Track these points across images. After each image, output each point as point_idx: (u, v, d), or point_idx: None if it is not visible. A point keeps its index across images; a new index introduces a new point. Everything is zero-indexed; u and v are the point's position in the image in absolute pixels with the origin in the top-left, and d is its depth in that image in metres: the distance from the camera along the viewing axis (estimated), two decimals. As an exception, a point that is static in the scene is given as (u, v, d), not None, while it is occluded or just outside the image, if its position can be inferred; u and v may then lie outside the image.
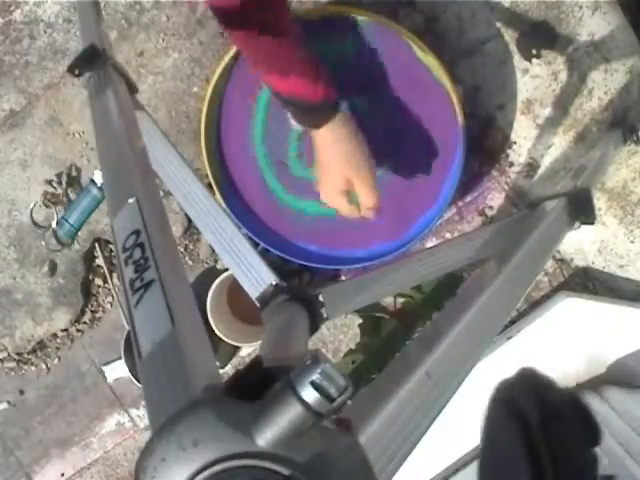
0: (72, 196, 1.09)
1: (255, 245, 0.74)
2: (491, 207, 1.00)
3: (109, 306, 1.15)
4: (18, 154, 1.10)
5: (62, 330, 1.16)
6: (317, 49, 0.81)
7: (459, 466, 0.92)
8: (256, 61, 0.66)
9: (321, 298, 0.62)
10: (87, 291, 1.14)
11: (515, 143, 0.97)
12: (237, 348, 1.10)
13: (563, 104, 0.93)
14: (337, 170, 0.70)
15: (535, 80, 0.93)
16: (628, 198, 0.94)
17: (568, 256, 0.99)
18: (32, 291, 1.14)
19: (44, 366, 1.18)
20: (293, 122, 0.70)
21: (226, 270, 1.02)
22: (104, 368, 1.15)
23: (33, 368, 1.18)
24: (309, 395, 0.24)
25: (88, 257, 1.13)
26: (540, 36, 0.91)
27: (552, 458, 0.26)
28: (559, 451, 0.26)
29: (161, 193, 1.01)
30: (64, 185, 1.09)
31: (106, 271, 1.13)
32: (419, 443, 0.33)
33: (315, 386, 0.24)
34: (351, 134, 0.69)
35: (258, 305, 0.63)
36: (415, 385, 0.34)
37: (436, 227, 1.01)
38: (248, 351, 1.11)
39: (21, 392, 1.20)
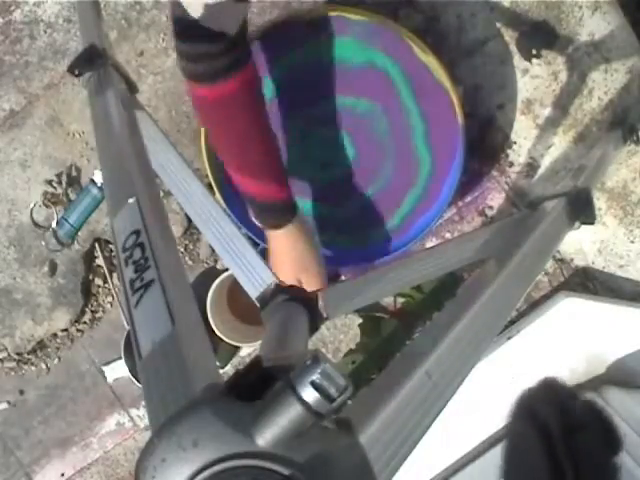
0: (72, 196, 1.09)
1: (255, 245, 0.74)
2: (491, 207, 1.00)
3: (109, 306, 1.15)
4: (18, 154, 1.10)
5: (62, 330, 1.16)
6: (317, 49, 0.81)
7: (459, 466, 0.92)
8: (229, 158, 0.68)
9: (321, 298, 0.62)
10: (87, 291, 1.14)
11: (515, 143, 0.97)
12: (237, 348, 1.10)
13: (563, 104, 0.93)
14: (287, 270, 0.73)
15: (535, 80, 0.93)
16: (628, 198, 0.94)
17: (568, 256, 0.99)
18: (32, 291, 1.14)
19: (44, 366, 1.18)
20: (255, 220, 0.73)
21: (226, 270, 1.02)
22: (104, 368, 1.15)
23: (33, 368, 1.18)
24: (309, 395, 0.24)
25: (88, 257, 1.13)
26: (540, 36, 0.91)
27: (574, 469, 0.26)
28: (581, 461, 0.26)
29: (161, 193, 1.01)
30: (64, 185, 1.09)
31: (106, 271, 1.13)
32: (419, 443, 0.33)
33: (315, 386, 0.24)
34: (303, 237, 0.72)
35: (258, 305, 0.63)
36: (415, 385, 0.34)
37: (436, 227, 1.01)
38: (248, 351, 1.11)
39: (21, 392, 1.19)
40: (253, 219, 0.72)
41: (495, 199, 1.00)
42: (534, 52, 0.91)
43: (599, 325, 0.90)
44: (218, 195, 0.91)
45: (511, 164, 0.98)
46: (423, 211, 0.89)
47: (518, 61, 0.93)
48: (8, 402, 1.20)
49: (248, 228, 0.92)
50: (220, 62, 0.58)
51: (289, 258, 0.73)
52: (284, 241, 0.72)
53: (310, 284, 0.75)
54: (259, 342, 0.98)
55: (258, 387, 0.27)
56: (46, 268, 1.12)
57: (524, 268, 0.50)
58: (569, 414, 0.27)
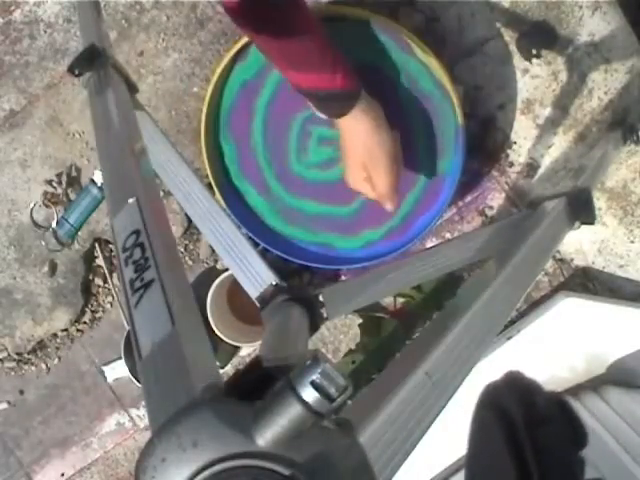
0: (72, 196, 1.09)
1: (255, 245, 0.74)
2: (491, 207, 1.00)
3: (109, 306, 1.15)
4: (18, 154, 1.10)
5: (62, 330, 1.16)
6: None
7: (459, 466, 0.92)
8: (271, 58, 0.66)
9: (321, 298, 0.63)
10: (87, 291, 1.14)
11: (515, 143, 0.97)
12: (237, 348, 1.10)
13: (563, 104, 0.93)
14: (355, 158, 0.72)
15: (535, 80, 0.93)
16: (628, 198, 0.94)
17: (568, 256, 0.99)
18: (32, 291, 1.14)
19: (44, 366, 1.18)
20: (317, 112, 0.71)
21: (226, 270, 1.02)
22: (104, 368, 1.15)
23: (33, 368, 1.18)
24: (309, 395, 0.24)
25: (88, 257, 1.13)
26: (540, 36, 0.91)
27: (538, 461, 0.26)
28: (545, 454, 0.26)
29: (161, 193, 1.01)
30: (64, 185, 1.09)
31: (106, 271, 1.13)
32: (419, 443, 0.33)
33: (315, 386, 0.24)
34: (371, 123, 0.70)
35: (258, 305, 0.63)
36: (415, 385, 0.34)
37: (436, 227, 1.01)
38: (248, 351, 1.11)
39: (21, 392, 1.19)
40: (317, 113, 0.71)
41: (495, 199, 1.00)
42: (534, 52, 0.91)
43: (599, 325, 0.90)
44: (218, 195, 0.91)
45: (511, 164, 0.98)
46: (423, 211, 0.89)
47: (518, 61, 0.93)
48: (8, 402, 1.20)
49: (248, 228, 0.92)
50: None
51: (354, 146, 0.71)
52: (349, 129, 0.70)
53: (375, 178, 0.73)
54: (259, 342, 0.98)
55: (258, 387, 0.27)
56: (46, 268, 1.12)
57: (524, 268, 0.50)
58: (533, 408, 0.28)
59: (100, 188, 1.05)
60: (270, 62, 0.68)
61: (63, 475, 1.21)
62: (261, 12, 0.59)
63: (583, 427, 0.28)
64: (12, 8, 1.06)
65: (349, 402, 0.26)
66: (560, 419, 0.27)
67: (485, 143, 0.97)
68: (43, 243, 1.11)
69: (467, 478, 0.29)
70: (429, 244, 1.03)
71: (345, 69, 0.66)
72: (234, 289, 1.04)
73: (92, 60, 0.60)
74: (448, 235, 1.03)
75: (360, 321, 1.04)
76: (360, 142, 0.71)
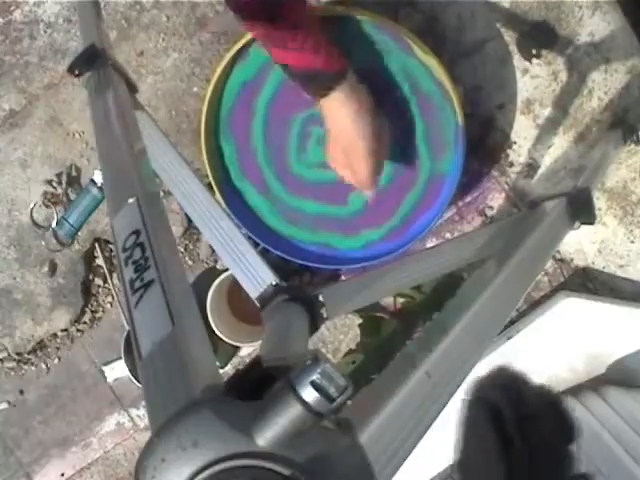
0: (72, 196, 1.09)
1: (255, 245, 0.74)
2: (491, 207, 1.00)
3: (109, 306, 1.15)
4: (18, 154, 1.10)
5: (62, 330, 1.16)
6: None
7: (459, 466, 0.92)
8: (255, 35, 0.67)
9: (321, 298, 0.63)
10: (87, 291, 1.14)
11: (515, 143, 0.97)
12: (237, 348, 1.10)
13: (563, 104, 0.93)
14: (336, 142, 0.72)
15: (535, 80, 0.93)
16: (628, 198, 0.94)
17: (568, 256, 0.99)
18: (32, 291, 1.14)
19: (44, 366, 1.18)
20: (307, 96, 0.71)
21: (226, 270, 1.02)
22: (104, 368, 1.15)
23: (33, 368, 1.18)
24: (309, 395, 0.24)
25: (88, 257, 1.13)
26: (540, 36, 0.91)
27: (527, 455, 0.26)
28: (534, 448, 0.26)
29: (161, 193, 1.01)
30: (64, 185, 1.09)
31: (106, 271, 1.13)
32: (419, 443, 0.33)
33: (315, 386, 0.24)
34: (354, 108, 0.69)
35: (258, 305, 0.63)
36: (415, 385, 0.34)
37: (436, 227, 1.01)
38: (248, 351, 1.11)
39: (21, 392, 1.19)
40: (304, 93, 0.70)
41: (495, 199, 1.00)
42: (534, 52, 0.91)
43: (599, 325, 0.90)
44: (218, 195, 0.91)
45: (511, 164, 0.98)
46: (423, 211, 0.89)
47: (518, 61, 0.93)
48: (8, 402, 1.20)
49: (248, 228, 0.92)
50: None
51: (334, 131, 0.71)
52: (330, 111, 0.69)
53: (354, 162, 0.72)
54: (259, 342, 0.98)
55: (258, 387, 0.27)
56: (46, 268, 1.12)
57: (524, 268, 0.50)
58: (522, 402, 0.28)
59: (100, 188, 1.05)
60: (257, 39, 0.68)
61: (63, 475, 1.21)
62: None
63: (572, 422, 0.28)
64: (12, 8, 1.06)
65: (349, 402, 0.26)
66: (550, 414, 0.27)
67: (485, 143, 0.97)
68: (43, 243, 1.11)
69: (457, 471, 0.29)
70: (429, 244, 1.02)
71: (328, 50, 0.66)
72: (234, 289, 1.04)
73: (92, 60, 0.60)
74: (448, 235, 1.03)
75: (360, 321, 1.04)
76: (341, 126, 0.70)
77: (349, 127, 0.70)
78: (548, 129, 0.95)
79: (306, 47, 0.64)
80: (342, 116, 0.70)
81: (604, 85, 0.91)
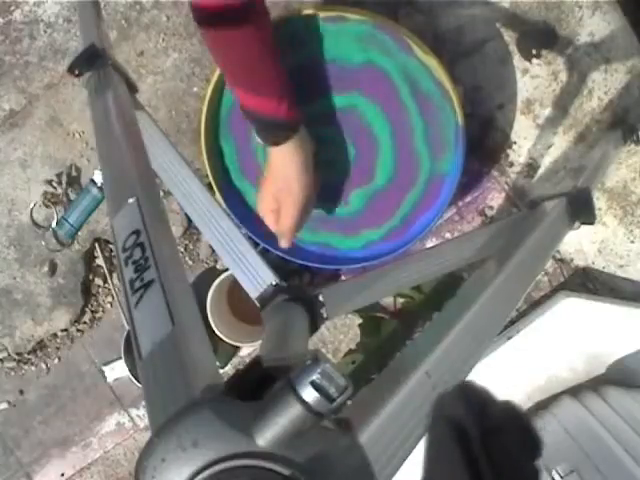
0: (72, 196, 1.09)
1: (255, 245, 0.74)
2: (491, 207, 1.00)
3: (109, 306, 1.15)
4: (18, 154, 1.10)
5: (62, 330, 1.16)
6: (317, 49, 0.81)
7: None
8: (224, 71, 0.68)
9: (321, 298, 0.63)
10: (87, 291, 1.14)
11: (515, 143, 0.97)
12: (237, 348, 1.10)
13: (563, 104, 0.93)
14: (271, 187, 0.73)
15: (535, 80, 0.93)
16: (628, 198, 0.94)
17: (568, 256, 0.99)
18: (32, 291, 1.14)
19: (44, 366, 1.18)
20: (256, 137, 0.72)
21: (226, 270, 1.02)
22: (104, 368, 1.15)
23: (33, 368, 1.18)
24: (309, 395, 0.24)
25: (88, 257, 1.13)
26: (540, 36, 0.91)
27: (492, 471, 0.26)
28: (500, 464, 0.26)
29: (161, 193, 1.01)
30: (64, 185, 1.09)
31: (106, 271, 1.13)
32: (419, 443, 0.33)
33: (315, 386, 0.24)
34: (300, 160, 0.71)
35: (258, 305, 0.63)
36: (415, 385, 0.34)
37: (436, 227, 1.01)
38: (248, 351, 1.11)
39: (21, 392, 1.20)
40: (256, 136, 0.71)
41: (495, 199, 1.00)
42: (534, 52, 0.91)
43: (599, 325, 0.90)
44: (218, 195, 0.91)
45: (511, 164, 0.98)
46: (423, 211, 0.89)
47: (518, 61, 0.93)
48: (8, 402, 1.20)
49: (248, 228, 0.92)
50: None
51: (275, 176, 0.72)
52: (278, 159, 0.71)
53: (287, 211, 0.73)
54: (259, 342, 0.98)
55: (258, 387, 0.27)
56: (46, 268, 1.12)
57: (524, 268, 0.50)
58: (487, 417, 0.27)
59: (100, 188, 1.05)
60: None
61: (63, 475, 1.21)
62: (231, 21, 0.60)
63: (537, 436, 0.28)
64: (12, 8, 1.06)
65: (349, 402, 0.26)
66: (514, 428, 0.27)
67: (485, 143, 0.97)
68: (43, 243, 1.11)
69: None
70: (429, 244, 1.02)
71: (291, 100, 0.67)
72: (234, 289, 1.04)
73: (92, 60, 0.60)
74: (448, 235, 1.03)
75: (360, 321, 1.04)
76: (282, 175, 0.72)
77: (293, 176, 0.71)
78: (548, 129, 0.95)
79: (273, 91, 0.65)
80: (289, 164, 0.71)
81: (604, 85, 0.91)
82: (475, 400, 0.28)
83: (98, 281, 1.14)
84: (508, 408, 0.28)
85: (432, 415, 0.29)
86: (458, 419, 0.27)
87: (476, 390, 0.29)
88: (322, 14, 0.80)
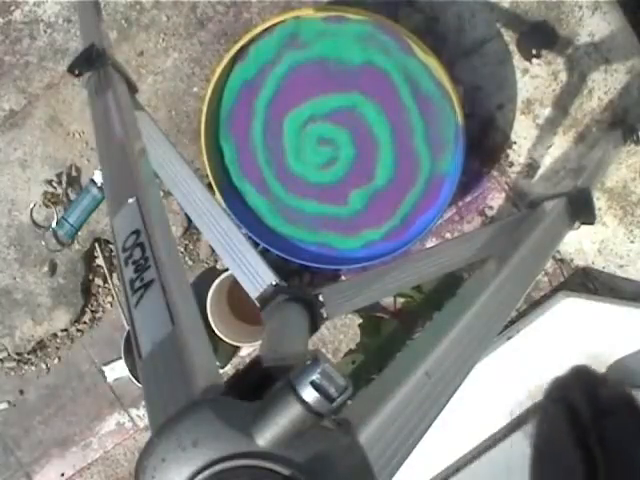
0: (72, 196, 1.09)
1: (255, 245, 0.74)
2: (491, 207, 1.00)
3: (109, 306, 1.15)
4: (18, 154, 1.10)
5: (62, 330, 1.16)
6: (317, 49, 0.82)
7: (459, 466, 0.92)
8: None
9: (321, 298, 0.62)
10: (87, 291, 1.14)
11: (515, 143, 0.97)
12: (237, 348, 1.10)
13: (563, 104, 0.93)
14: None
15: (535, 80, 0.93)
16: (628, 198, 0.94)
17: (568, 256, 0.99)
18: (32, 291, 1.14)
19: (44, 366, 1.18)
20: None
21: (226, 270, 1.02)
22: (104, 368, 1.15)
23: (33, 368, 1.18)
24: (309, 395, 0.24)
25: (88, 257, 1.13)
26: (540, 36, 0.91)
27: (602, 451, 0.26)
28: (611, 446, 0.26)
29: (161, 193, 1.01)
30: (64, 185, 1.09)
31: (106, 271, 1.13)
32: (419, 443, 0.33)
33: (315, 386, 0.24)
34: None
35: (258, 305, 0.63)
36: (415, 385, 0.34)
37: (436, 227, 1.01)
38: (248, 351, 1.11)
39: (21, 392, 1.19)
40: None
41: (495, 199, 1.00)
42: (534, 52, 0.91)
43: (599, 325, 0.90)
44: (218, 195, 0.91)
45: (511, 164, 0.98)
46: (423, 211, 0.89)
47: (518, 61, 0.93)
48: (8, 402, 1.20)
49: (248, 228, 0.92)
50: None
51: None
52: None
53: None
54: (259, 342, 0.98)
55: (258, 387, 0.27)
56: (46, 268, 1.12)
57: (524, 268, 0.50)
58: (599, 400, 0.28)
59: (100, 188, 1.05)
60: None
61: (63, 475, 1.21)
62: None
63: None
64: (12, 8, 1.06)
65: (349, 402, 0.26)
66: (626, 412, 0.28)
67: (485, 143, 0.97)
68: (43, 243, 1.11)
69: (535, 470, 0.29)
70: (429, 244, 1.02)
71: None
72: (234, 289, 1.04)
73: (92, 60, 0.60)
74: (448, 235, 1.03)
75: (360, 321, 1.04)
76: None
77: None
78: (548, 129, 0.95)
79: None
80: None
81: (604, 85, 0.91)
82: (588, 382, 0.29)
83: (98, 281, 1.14)
84: (620, 392, 0.28)
85: (547, 396, 0.30)
86: (571, 399, 0.28)
87: (590, 374, 0.30)
88: (322, 14, 0.80)
